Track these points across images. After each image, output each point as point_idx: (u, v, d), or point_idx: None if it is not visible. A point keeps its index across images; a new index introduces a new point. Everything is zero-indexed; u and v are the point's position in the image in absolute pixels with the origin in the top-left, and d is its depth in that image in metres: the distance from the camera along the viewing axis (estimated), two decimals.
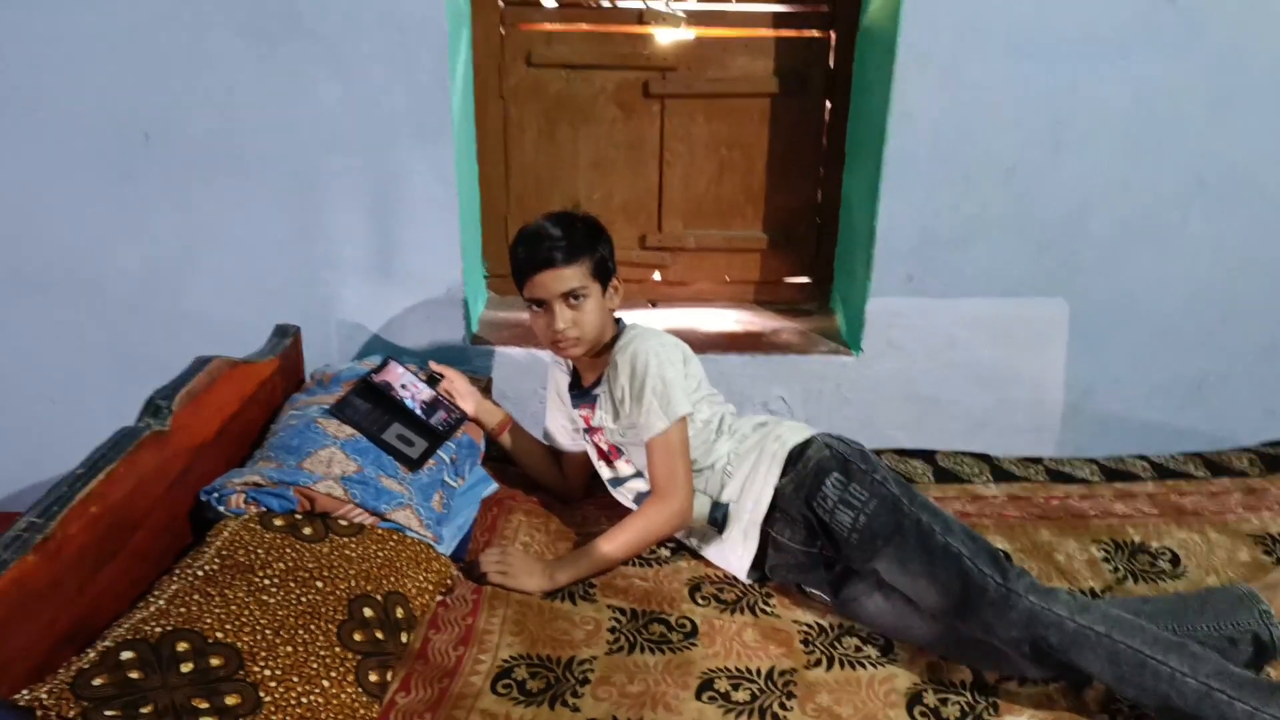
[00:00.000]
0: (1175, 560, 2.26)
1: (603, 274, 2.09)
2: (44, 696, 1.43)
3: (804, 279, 2.94)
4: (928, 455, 2.61)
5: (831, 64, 2.72)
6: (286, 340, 2.42)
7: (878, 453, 2.57)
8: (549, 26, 2.71)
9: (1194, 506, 2.46)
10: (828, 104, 2.76)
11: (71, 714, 1.42)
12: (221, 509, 1.95)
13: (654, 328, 2.18)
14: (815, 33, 2.69)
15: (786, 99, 2.75)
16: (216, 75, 2.43)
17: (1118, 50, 2.43)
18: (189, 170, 2.51)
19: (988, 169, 2.52)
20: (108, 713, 1.43)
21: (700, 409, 2.15)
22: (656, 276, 2.94)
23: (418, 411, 2.22)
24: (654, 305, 2.96)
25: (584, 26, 2.71)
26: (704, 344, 2.74)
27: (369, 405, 2.18)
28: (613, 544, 2.12)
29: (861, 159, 2.64)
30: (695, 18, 2.70)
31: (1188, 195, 2.57)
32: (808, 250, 2.90)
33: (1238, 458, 2.64)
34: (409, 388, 2.23)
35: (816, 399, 2.72)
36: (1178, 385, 2.77)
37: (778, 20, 2.70)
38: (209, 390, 2.06)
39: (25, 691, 1.43)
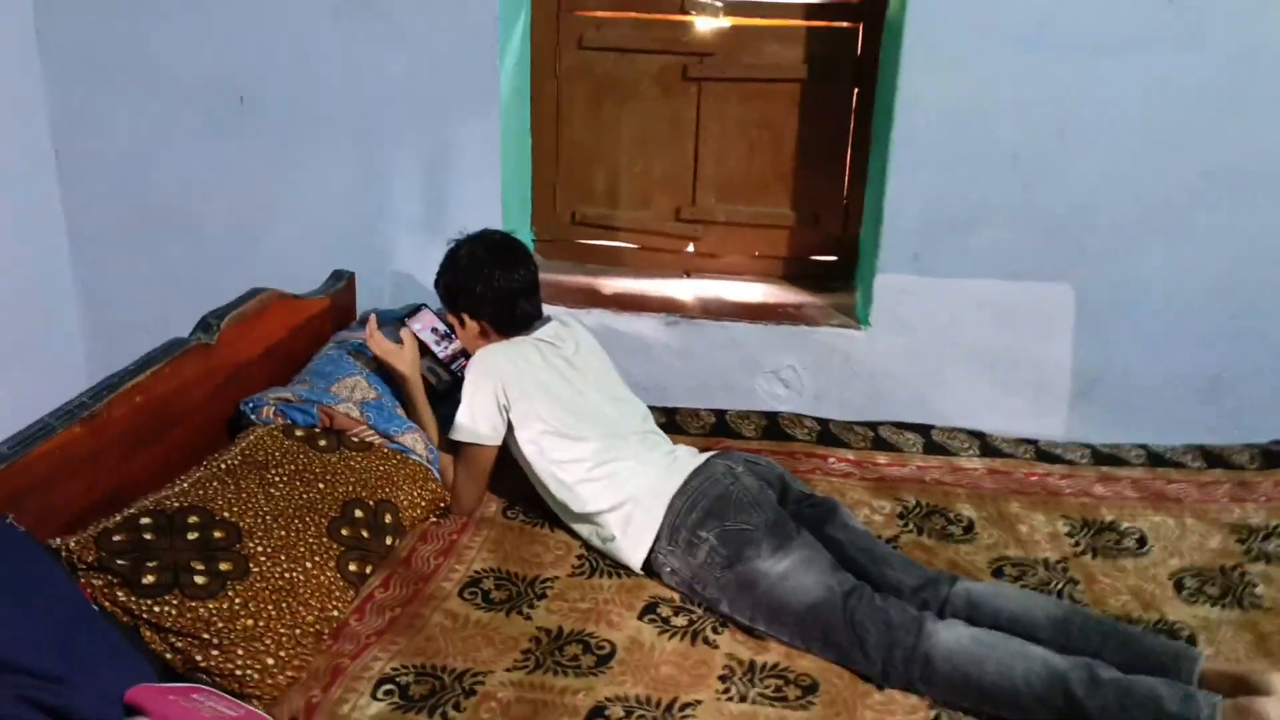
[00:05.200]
0: (1142, 540, 2.33)
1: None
2: (71, 543, 1.79)
3: (830, 257, 3.09)
4: (923, 429, 2.75)
5: (859, 53, 2.86)
6: (340, 283, 2.77)
7: (875, 425, 2.75)
8: (600, 13, 2.96)
9: (1177, 494, 2.51)
10: (855, 91, 2.90)
11: (89, 559, 1.76)
12: (254, 418, 2.29)
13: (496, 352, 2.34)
14: (845, 23, 2.84)
15: (816, 85, 2.92)
16: (300, 46, 2.81)
17: (1126, 44, 2.49)
18: (274, 129, 2.90)
19: (994, 156, 2.62)
20: (119, 561, 1.77)
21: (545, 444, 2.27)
22: (689, 248, 3.15)
23: (442, 354, 2.50)
24: (687, 275, 3.17)
25: (631, 14, 2.95)
26: (726, 312, 2.95)
27: None
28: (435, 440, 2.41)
29: (877, 143, 2.78)
30: (732, 8, 2.89)
31: (1198, 187, 2.59)
32: (834, 229, 3.06)
33: (1239, 452, 2.65)
34: (437, 333, 2.51)
35: (826, 370, 2.88)
36: (1191, 379, 2.78)
37: (810, 11, 2.87)
38: (258, 316, 2.41)
39: (58, 538, 1.79)
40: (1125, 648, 1.85)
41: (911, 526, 2.39)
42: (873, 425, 2.77)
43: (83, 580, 1.75)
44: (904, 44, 2.54)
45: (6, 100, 2.85)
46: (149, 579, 1.76)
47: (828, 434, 2.74)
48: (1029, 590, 2.12)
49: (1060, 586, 2.17)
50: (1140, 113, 2.56)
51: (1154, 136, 2.58)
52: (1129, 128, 2.58)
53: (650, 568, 2.16)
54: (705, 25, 2.91)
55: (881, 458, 2.66)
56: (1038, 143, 2.61)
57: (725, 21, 2.89)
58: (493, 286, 2.33)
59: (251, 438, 2.20)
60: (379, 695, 1.79)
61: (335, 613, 1.94)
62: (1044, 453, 2.68)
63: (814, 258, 3.11)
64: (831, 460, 2.65)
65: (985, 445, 2.69)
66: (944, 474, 2.59)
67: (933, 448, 2.69)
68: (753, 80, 2.93)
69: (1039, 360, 2.81)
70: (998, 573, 2.22)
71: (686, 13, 2.90)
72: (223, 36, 2.83)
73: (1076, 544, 2.32)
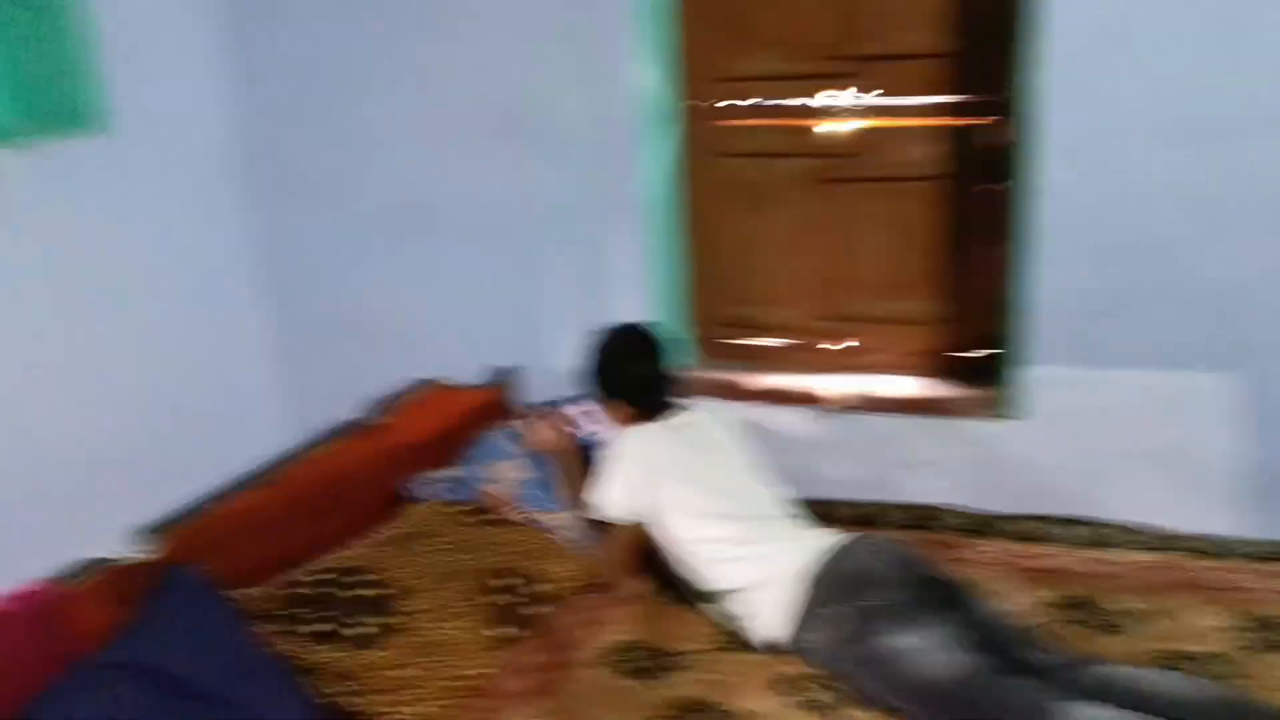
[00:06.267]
0: None
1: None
2: (254, 593, 1.98)
3: (981, 351, 3.09)
4: (1081, 522, 2.67)
5: (999, 148, 2.91)
6: (500, 378, 2.98)
7: (1028, 517, 2.70)
8: (740, 121, 3.13)
9: None
10: (996, 186, 2.94)
11: (267, 606, 1.95)
12: (418, 496, 2.46)
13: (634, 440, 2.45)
14: (983, 120, 2.91)
15: (955, 181, 2.97)
16: (468, 163, 3.10)
17: (1275, 121, 2.47)
18: (447, 239, 3.19)
19: (1145, 243, 2.59)
20: (292, 611, 1.94)
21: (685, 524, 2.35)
22: (839, 346, 3.21)
23: (592, 439, 2.63)
24: (838, 372, 3.22)
25: (769, 121, 3.11)
26: (874, 406, 2.99)
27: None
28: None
29: (1021, 236, 2.80)
30: (873, 110, 3.00)
31: None
32: (986, 324, 3.06)
33: None
34: (588, 418, 2.64)
35: (977, 464, 2.85)
36: None
37: (953, 109, 2.95)
38: (424, 404, 2.62)
39: (242, 589, 1.98)
40: None
41: (1062, 617, 2.31)
42: (1026, 517, 2.71)
43: (260, 625, 1.94)
44: (1041, 140, 2.59)
45: (218, 218, 3.24)
46: (317, 628, 1.92)
47: (978, 524, 2.70)
48: (1185, 675, 2.02)
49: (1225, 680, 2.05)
50: None
51: None
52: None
53: (790, 645, 2.19)
54: (842, 128, 3.03)
55: (1033, 549, 2.60)
56: (1191, 229, 2.57)
57: (861, 124, 3.01)
58: (628, 373, 2.51)
59: (415, 513, 2.38)
60: None
61: (484, 670, 2.05)
62: (1215, 549, 2.55)
63: (961, 354, 3.11)
64: (981, 550, 2.61)
65: (1148, 539, 2.59)
66: (1101, 566, 2.51)
67: (1090, 540, 2.61)
68: (891, 179, 3.02)
69: (1209, 454, 2.70)
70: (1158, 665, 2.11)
71: (824, 118, 3.03)
72: (402, 157, 3.17)
73: (1245, 642, 2.19)
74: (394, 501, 2.50)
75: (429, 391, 2.67)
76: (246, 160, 3.28)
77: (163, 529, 1.96)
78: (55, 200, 2.66)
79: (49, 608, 1.75)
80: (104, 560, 1.88)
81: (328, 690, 1.90)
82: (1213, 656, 2.13)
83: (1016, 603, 2.35)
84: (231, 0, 3.18)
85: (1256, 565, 2.48)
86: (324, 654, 1.91)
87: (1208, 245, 2.58)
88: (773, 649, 2.19)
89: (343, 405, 2.58)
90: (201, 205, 3.16)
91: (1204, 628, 2.24)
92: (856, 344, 3.20)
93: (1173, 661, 2.11)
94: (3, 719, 1.65)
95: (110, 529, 1.97)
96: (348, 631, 1.95)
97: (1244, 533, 2.65)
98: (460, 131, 3.09)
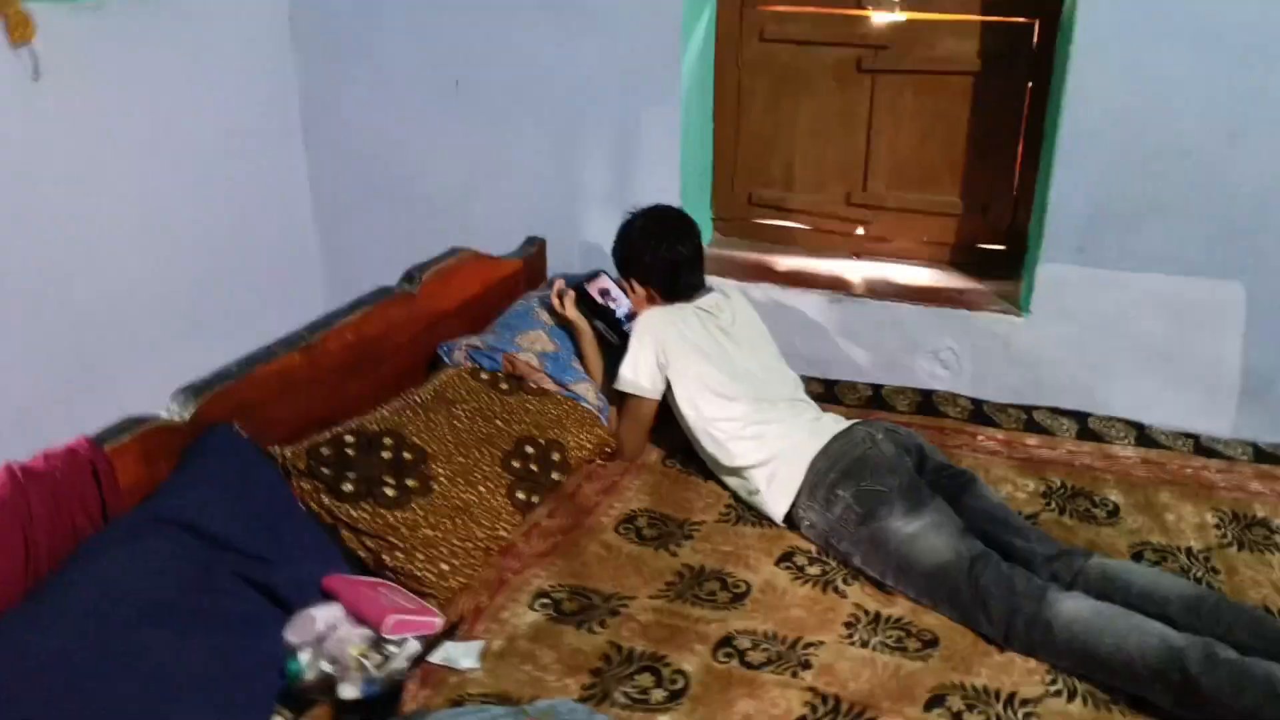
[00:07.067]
0: None
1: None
2: (288, 452, 2.11)
3: (998, 246, 3.14)
4: (1079, 415, 2.78)
5: (1034, 48, 2.90)
6: (532, 248, 3.06)
7: (1029, 408, 2.81)
8: (781, 8, 3.12)
9: None
10: (1029, 85, 2.94)
11: (301, 466, 2.08)
12: (447, 360, 2.58)
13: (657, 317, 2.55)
14: (1021, 18, 2.89)
15: (990, 79, 2.97)
16: (508, 36, 3.11)
17: None
18: (484, 110, 3.23)
19: (1165, 153, 2.62)
20: (325, 470, 2.08)
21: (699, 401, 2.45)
22: (860, 231, 3.27)
23: (617, 314, 2.72)
24: (857, 257, 3.29)
25: (810, 8, 3.10)
26: (891, 293, 3.07)
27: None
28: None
29: (1047, 136, 2.81)
30: (909, 2, 2.98)
31: None
32: (1002, 219, 3.10)
33: None
34: (611, 295, 2.73)
35: (985, 355, 2.94)
36: None
37: (985, 6, 2.92)
38: (456, 272, 2.72)
39: (275, 446, 2.11)
40: (1257, 633, 1.87)
41: (1054, 506, 2.44)
42: (1027, 408, 2.83)
43: (294, 484, 2.07)
44: (1075, 40, 2.58)
45: (263, 82, 3.28)
46: (348, 487, 2.06)
47: (980, 413, 2.82)
48: (1162, 570, 2.16)
49: (1200, 575, 2.18)
50: None
51: None
52: None
53: (791, 520, 2.32)
54: (881, 19, 3.02)
55: (1032, 439, 2.71)
56: (1209, 141, 2.59)
57: (901, 16, 2.99)
58: (659, 256, 2.58)
59: (443, 376, 2.49)
60: (536, 607, 2.03)
61: (504, 533, 2.20)
62: (1202, 447, 2.66)
63: (980, 246, 3.17)
64: (981, 438, 2.72)
65: (1142, 435, 2.71)
66: (1095, 459, 2.62)
67: (1086, 434, 2.73)
68: (926, 72, 3.02)
69: (1207, 357, 2.78)
70: (1137, 556, 2.24)
71: (864, 7, 3.02)
72: (445, 28, 3.17)
73: (1223, 536, 2.32)
74: (427, 366, 2.62)
75: (463, 259, 2.74)
76: (293, 23, 3.31)
77: (203, 389, 2.03)
78: (105, 56, 2.70)
79: (91, 463, 1.80)
80: (145, 419, 1.94)
81: (361, 546, 2.04)
82: (1193, 551, 2.26)
83: (1012, 491, 2.48)
84: None
85: (1242, 466, 2.60)
86: (358, 511, 2.04)
87: (1229, 157, 2.60)
88: (783, 523, 2.33)
89: (382, 269, 2.66)
90: (248, 65, 3.21)
91: (1188, 524, 2.36)
92: (878, 231, 3.26)
93: (1157, 554, 2.25)
94: (44, 572, 1.72)
95: (158, 383, 2.06)
96: (379, 490, 2.07)
97: (1233, 433, 2.76)
98: (502, 3, 3.09)
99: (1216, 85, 2.55)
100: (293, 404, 2.21)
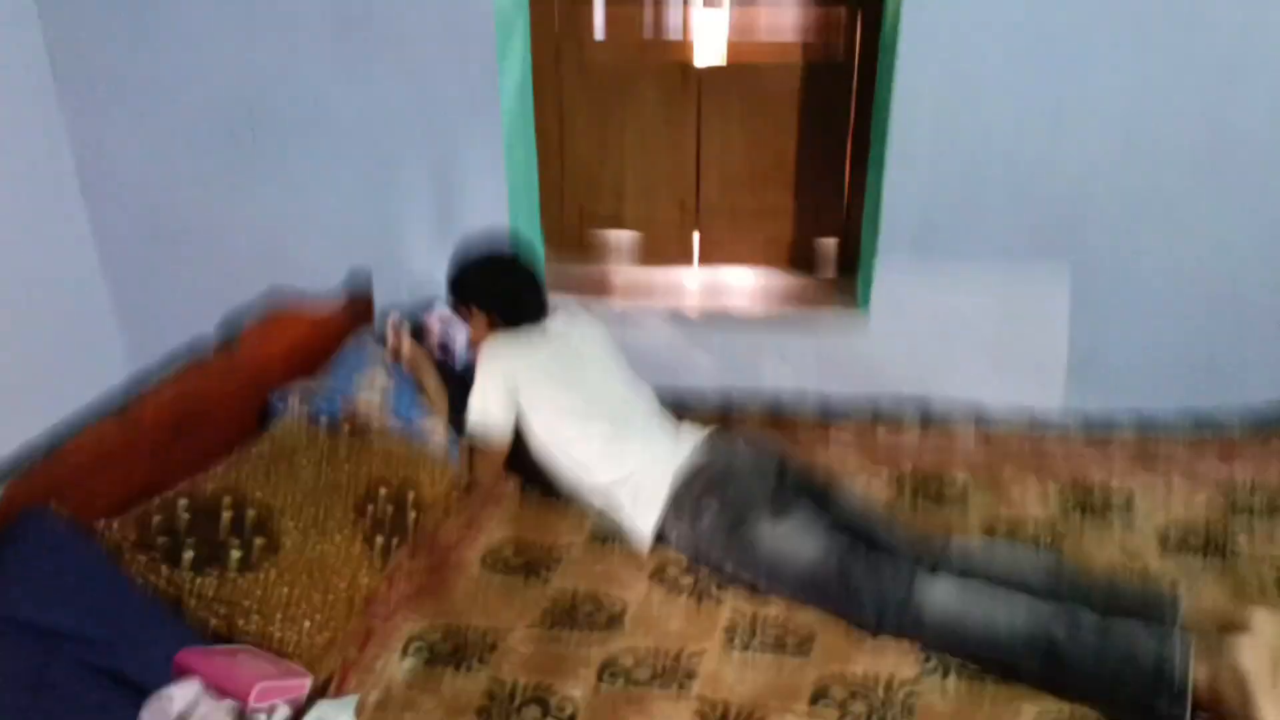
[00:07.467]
0: (1130, 500, 2.43)
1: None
2: (115, 525, 1.93)
3: (833, 242, 3.21)
4: (921, 403, 2.88)
5: (858, 42, 2.98)
6: (357, 283, 2.92)
7: (874, 400, 2.87)
8: (599, 14, 3.09)
9: (1166, 454, 2.62)
10: (855, 80, 3.01)
11: (132, 539, 1.91)
12: (282, 410, 2.43)
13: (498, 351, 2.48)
14: (851, 15, 2.96)
15: (815, 75, 3.04)
16: (303, 63, 2.91)
17: (1117, 30, 2.59)
18: (285, 143, 3.01)
19: (990, 143, 2.73)
20: (159, 539, 1.91)
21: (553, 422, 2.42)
22: (695, 238, 3.29)
23: (457, 343, 2.64)
24: (692, 265, 3.31)
25: (629, 10, 3.08)
26: (733, 298, 3.10)
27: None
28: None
29: (876, 131, 2.89)
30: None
31: (1188, 169, 2.69)
32: (835, 217, 3.18)
33: (1227, 416, 2.76)
34: (452, 324, 2.65)
35: (828, 353, 2.99)
36: (1188, 356, 2.87)
37: (818, 2, 2.98)
38: (277, 316, 2.57)
39: (101, 520, 1.93)
40: (1112, 596, 1.95)
41: (907, 493, 2.51)
42: (872, 401, 2.89)
43: (126, 559, 1.89)
44: (900, 33, 2.65)
45: (27, 126, 2.95)
46: (189, 554, 1.90)
47: (828, 410, 2.87)
48: (1019, 545, 2.24)
49: (1049, 542, 2.28)
50: (1131, 99, 2.65)
51: (1144, 121, 2.67)
52: (1120, 113, 2.67)
53: (659, 535, 2.29)
54: (702, 18, 3.04)
55: (879, 431, 2.79)
56: (1033, 130, 2.70)
57: (722, 12, 3.02)
58: (495, 280, 2.52)
59: (280, 427, 2.35)
60: (409, 652, 1.93)
61: (365, 581, 2.08)
62: (1036, 422, 2.79)
63: (816, 245, 3.23)
64: (831, 434, 2.77)
65: (980, 417, 2.82)
66: (939, 444, 2.71)
67: (929, 421, 2.82)
68: (753, 71, 3.06)
69: (1036, 339, 2.91)
70: (989, 532, 2.33)
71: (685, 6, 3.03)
72: (227, 61, 2.93)
73: (1065, 504, 2.43)
74: (259, 419, 2.46)
75: (282, 301, 2.60)
76: (53, 58, 2.98)
77: (8, 471, 1.87)
78: None
79: None
80: None
81: (212, 614, 1.88)
82: (1040, 521, 2.36)
83: (868, 481, 2.54)
84: None
85: (1074, 436, 2.74)
86: (203, 579, 1.89)
87: (1045, 145, 2.72)
88: (651, 539, 2.30)
89: (189, 321, 2.48)
90: (7, 107, 2.87)
91: (1032, 496, 2.47)
92: (714, 237, 3.28)
93: (1007, 529, 2.34)
94: None
95: None
96: (224, 554, 1.93)
97: (1064, 406, 2.90)
98: (293, 27, 2.89)
99: (1035, 71, 2.66)
100: (112, 475, 2.03)
